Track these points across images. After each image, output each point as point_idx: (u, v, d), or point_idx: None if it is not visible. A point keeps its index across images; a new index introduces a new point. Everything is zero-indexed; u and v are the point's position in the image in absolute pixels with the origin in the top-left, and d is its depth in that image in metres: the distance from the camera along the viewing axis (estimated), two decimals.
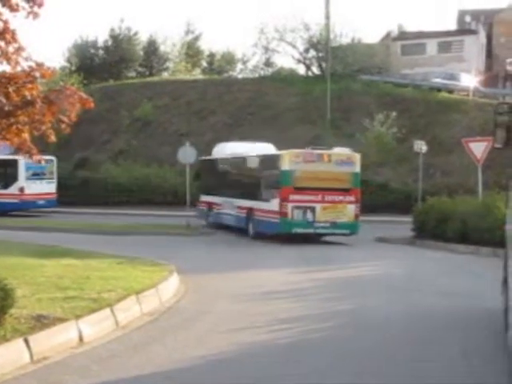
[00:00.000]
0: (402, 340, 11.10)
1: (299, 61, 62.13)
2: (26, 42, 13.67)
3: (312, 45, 59.26)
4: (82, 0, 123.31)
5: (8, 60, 13.50)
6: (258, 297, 14.72)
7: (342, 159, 25.59)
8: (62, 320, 10.40)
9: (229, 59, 74.74)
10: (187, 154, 31.52)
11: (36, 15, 13.71)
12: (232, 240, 27.62)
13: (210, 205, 31.81)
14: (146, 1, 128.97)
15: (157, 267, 16.55)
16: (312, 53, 60.13)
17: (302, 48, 60.51)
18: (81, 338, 10.33)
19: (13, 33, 13.37)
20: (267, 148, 29.60)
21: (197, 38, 75.14)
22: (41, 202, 39.35)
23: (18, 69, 13.72)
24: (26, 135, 13.72)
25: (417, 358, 9.94)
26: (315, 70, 60.67)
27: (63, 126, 13.89)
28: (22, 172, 38.41)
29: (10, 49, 13.45)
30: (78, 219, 35.24)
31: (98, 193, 43.89)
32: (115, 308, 11.69)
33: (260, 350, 10.26)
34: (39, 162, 13.94)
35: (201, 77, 63.96)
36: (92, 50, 70.44)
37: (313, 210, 24.99)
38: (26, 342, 9.25)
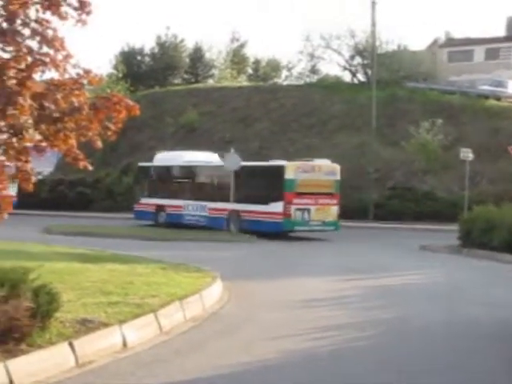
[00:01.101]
0: (444, 349, 11.01)
1: (345, 68, 62.05)
2: (74, 50, 13.87)
3: (358, 52, 59.12)
4: (130, 8, 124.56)
5: (56, 67, 13.68)
6: (301, 304, 14.72)
7: (328, 169, 30.99)
8: (106, 325, 10.52)
9: (274, 66, 74.90)
10: (232, 161, 31.65)
11: (84, 23, 13.88)
12: (271, 247, 27.67)
13: (159, 207, 35.69)
14: (192, 8, 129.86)
15: (200, 273, 16.63)
16: (358, 60, 60.00)
17: (347, 55, 60.42)
18: (124, 343, 10.42)
19: (61, 40, 13.56)
20: (213, 157, 35.70)
21: (242, 45, 75.48)
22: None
23: (66, 76, 13.92)
24: (72, 141, 13.88)
25: (458, 368, 9.86)
26: (361, 77, 60.52)
27: (109, 132, 14.06)
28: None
29: (59, 56, 13.64)
30: (124, 224, 35.54)
31: None
32: (159, 313, 11.78)
33: (302, 357, 10.26)
34: (86, 168, 14.09)
35: (246, 84, 64.16)
36: (139, 57, 71.12)
37: (309, 211, 29.97)
38: (71, 345, 9.36)
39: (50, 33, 13.46)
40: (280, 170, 30.05)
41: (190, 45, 71.76)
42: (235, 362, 9.84)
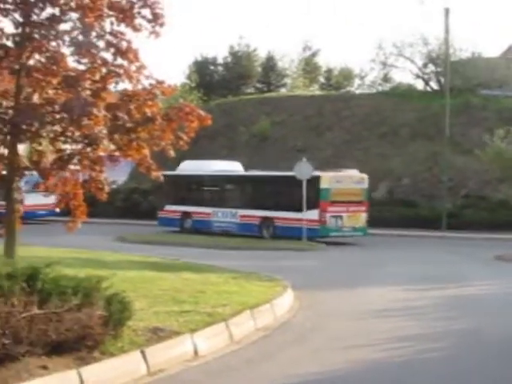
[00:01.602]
0: None
1: (417, 76, 61.25)
2: (147, 61, 14.07)
3: (431, 59, 58.34)
4: (203, 18, 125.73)
5: (130, 78, 13.92)
6: (371, 314, 14.61)
7: (358, 179, 32.87)
8: (177, 333, 10.61)
9: (346, 75, 74.50)
10: (303, 170, 31.59)
11: (157, 35, 14.10)
12: (344, 255, 27.55)
13: (185, 214, 36.88)
14: (264, 18, 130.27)
15: (272, 282, 16.64)
16: (431, 67, 59.17)
17: (420, 63, 59.64)
18: (196, 352, 10.49)
19: (135, 52, 13.79)
20: (235, 165, 37.72)
21: (314, 54, 75.32)
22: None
23: (139, 87, 14.13)
24: (145, 151, 14.09)
25: None
26: (434, 85, 59.68)
27: (181, 142, 14.21)
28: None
29: (132, 67, 13.87)
30: (196, 233, 35.78)
31: None
32: (230, 322, 11.83)
33: (372, 368, 10.18)
34: (157, 178, 14.27)
35: (318, 92, 64.03)
36: (212, 67, 71.62)
37: (341, 218, 31.98)
38: (143, 354, 9.47)
39: (124, 44, 13.71)
40: (316, 180, 31.69)
41: (262, 54, 71.96)
42: (304, 372, 9.82)
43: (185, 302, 13.06)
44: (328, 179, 31.88)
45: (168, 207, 37.98)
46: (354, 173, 33.26)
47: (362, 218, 32.41)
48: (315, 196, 31.60)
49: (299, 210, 31.18)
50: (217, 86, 67.87)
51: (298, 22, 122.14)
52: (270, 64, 71.54)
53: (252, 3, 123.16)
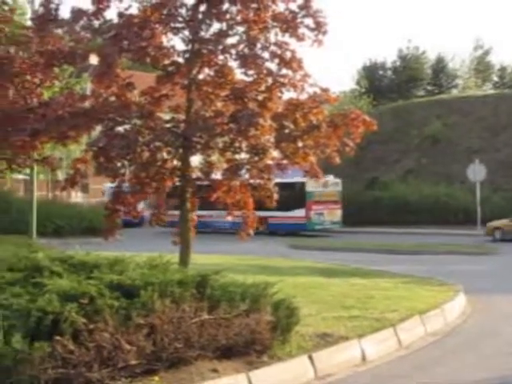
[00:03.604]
0: None
1: None
2: (314, 69, 14.26)
3: None
4: (371, 23, 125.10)
5: (294, 87, 14.15)
6: None
7: (334, 183, 40.39)
8: (345, 338, 10.69)
9: None
10: (476, 172, 30.91)
11: (320, 43, 14.24)
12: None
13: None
14: (433, 19, 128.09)
15: (443, 287, 16.40)
16: None
17: None
18: (363, 357, 10.53)
19: (299, 61, 14.00)
20: None
21: (486, 53, 73.31)
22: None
23: (304, 95, 14.33)
24: (312, 158, 14.26)
25: None
26: None
27: (347, 148, 14.27)
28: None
29: (297, 77, 14.09)
30: (367, 239, 35.69)
31: (387, 212, 44.02)
32: (398, 328, 11.78)
33: None
34: (325, 184, 14.42)
35: (492, 92, 62.23)
36: (381, 72, 71.24)
37: (323, 214, 40.27)
38: (311, 358, 9.61)
39: (288, 54, 13.96)
40: (302, 185, 38.52)
41: (431, 56, 70.91)
42: (474, 379, 9.64)
43: (353, 308, 13.11)
44: (311, 184, 37.36)
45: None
46: (330, 178, 38.48)
47: (338, 213, 41.30)
48: (302, 198, 39.44)
49: (288, 209, 37.21)
50: (386, 90, 67.43)
51: (469, 21, 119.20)
52: (439, 65, 70.32)
53: (420, 5, 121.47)
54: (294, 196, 38.14)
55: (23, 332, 7.22)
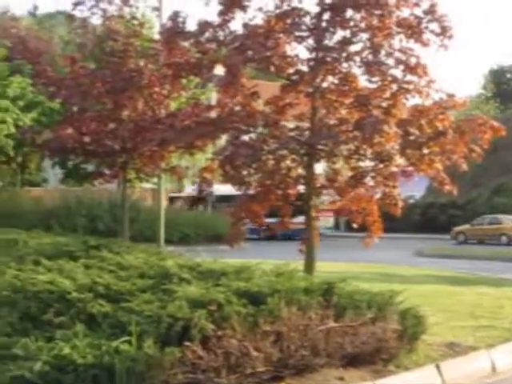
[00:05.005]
0: None
1: None
2: (437, 74, 14.06)
3: None
4: (497, 26, 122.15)
5: (419, 93, 13.99)
6: None
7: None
8: (474, 348, 10.45)
9: None
10: None
11: (446, 48, 14.05)
12: None
13: None
14: None
15: None
16: None
17: None
18: (493, 368, 10.25)
19: (424, 67, 13.84)
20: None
21: None
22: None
23: (429, 101, 14.15)
24: (438, 165, 14.05)
25: None
26: None
27: (474, 154, 14.00)
28: None
29: (422, 83, 13.93)
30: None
31: None
32: None
33: None
34: (451, 192, 14.17)
35: None
36: (508, 75, 69.47)
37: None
38: (438, 368, 9.45)
39: (413, 60, 13.83)
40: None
41: None
42: None
43: (482, 317, 12.81)
44: None
45: None
46: None
47: (330, 220, 47.22)
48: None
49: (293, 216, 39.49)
50: None
51: None
52: None
53: None
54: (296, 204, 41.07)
55: (154, 337, 7.40)
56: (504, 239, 39.33)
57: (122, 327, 7.60)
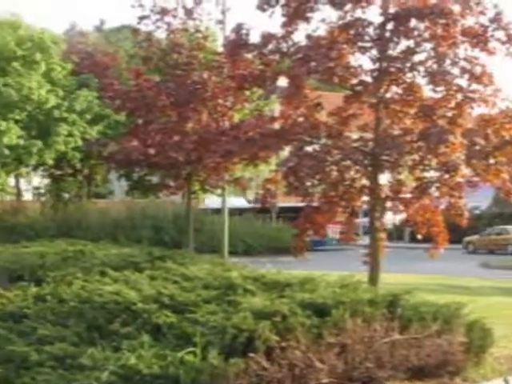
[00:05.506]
0: None
1: None
2: (503, 83, 13.88)
3: None
4: None
5: (485, 102, 13.82)
6: None
7: None
8: None
9: None
10: None
11: None
12: None
13: None
14: None
15: None
16: None
17: None
18: None
19: (489, 76, 13.68)
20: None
21: None
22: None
23: (496, 110, 13.96)
24: (505, 175, 13.84)
25: None
26: None
27: None
28: None
29: (488, 91, 13.76)
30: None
31: None
32: None
33: None
34: None
35: None
36: None
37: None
38: (506, 382, 9.27)
39: (478, 69, 13.67)
40: None
41: None
42: None
43: None
44: None
45: None
46: None
47: (337, 231, 43.46)
48: None
49: None
50: None
51: None
52: None
53: None
54: None
55: (219, 348, 7.42)
56: (510, 249, 40.09)
57: (187, 338, 7.64)
